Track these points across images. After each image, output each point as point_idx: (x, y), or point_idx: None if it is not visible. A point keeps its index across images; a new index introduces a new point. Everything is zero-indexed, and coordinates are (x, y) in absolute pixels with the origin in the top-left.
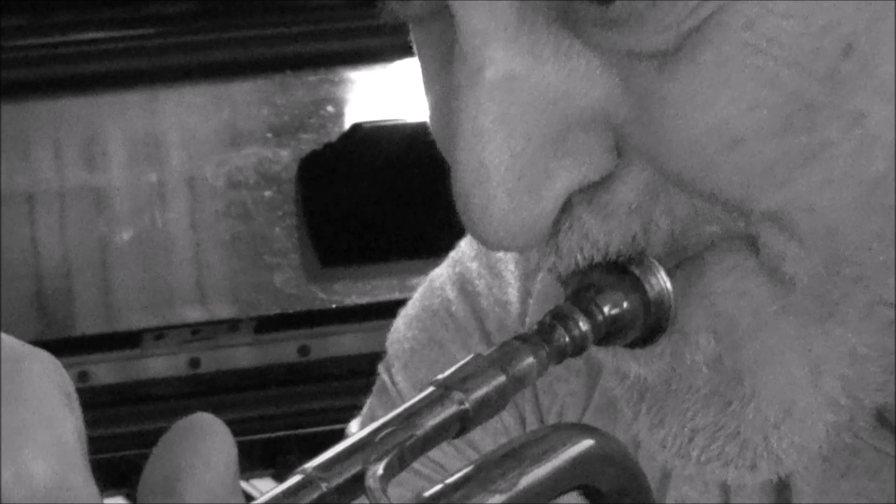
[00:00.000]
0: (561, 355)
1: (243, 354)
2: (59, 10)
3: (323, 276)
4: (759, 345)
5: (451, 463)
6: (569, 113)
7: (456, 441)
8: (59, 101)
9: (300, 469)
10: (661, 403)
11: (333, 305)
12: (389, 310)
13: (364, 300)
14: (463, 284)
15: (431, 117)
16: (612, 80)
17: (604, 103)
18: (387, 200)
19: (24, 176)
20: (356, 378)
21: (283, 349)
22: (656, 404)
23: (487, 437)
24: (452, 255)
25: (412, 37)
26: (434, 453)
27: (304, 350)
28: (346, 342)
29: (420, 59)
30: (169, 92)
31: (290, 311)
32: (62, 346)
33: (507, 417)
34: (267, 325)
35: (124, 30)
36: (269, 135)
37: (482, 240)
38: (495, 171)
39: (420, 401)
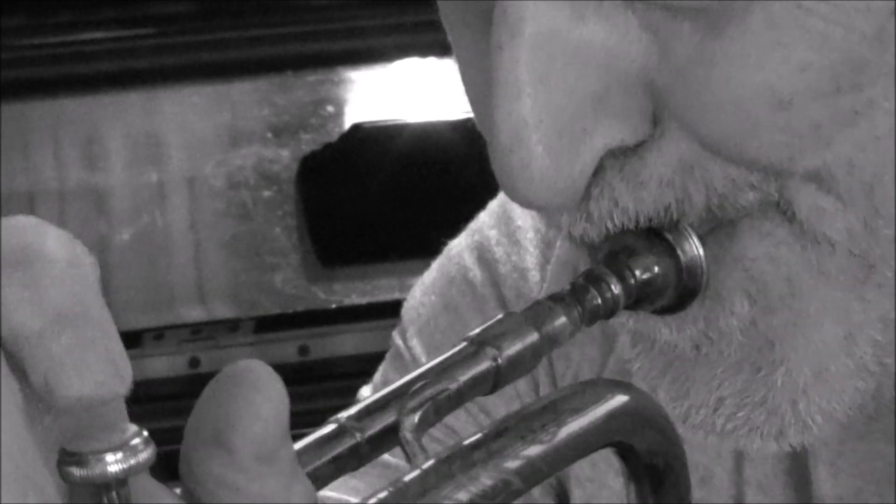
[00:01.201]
0: (593, 317)
1: (243, 354)
2: (59, 10)
3: (323, 276)
4: (792, 311)
5: (461, 426)
6: (608, 72)
7: (469, 405)
8: (59, 101)
9: (334, 418)
10: (687, 373)
11: (333, 305)
12: (389, 310)
13: (364, 300)
14: (481, 252)
15: (464, 83)
16: (652, 41)
17: (643, 64)
18: (387, 200)
19: (24, 176)
20: (356, 378)
21: (283, 349)
22: (682, 374)
23: (500, 403)
24: (471, 224)
25: (440, 9)
26: (447, 418)
27: (304, 350)
28: (346, 342)
29: (448, 25)
30: (169, 92)
31: (290, 311)
32: None
33: (520, 383)
34: (267, 325)
35: (124, 30)
36: (269, 135)
37: (520, 198)
38: (535, 127)
39: (453, 355)
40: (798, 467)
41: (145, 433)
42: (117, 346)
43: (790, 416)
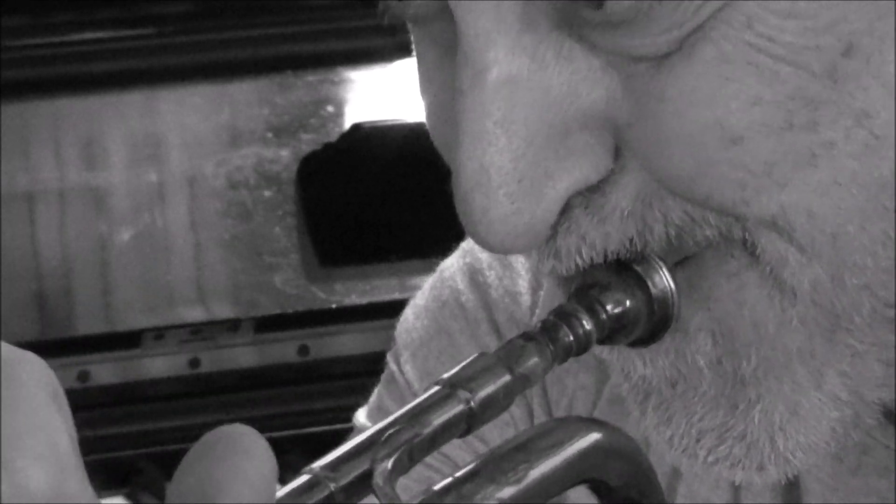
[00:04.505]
0: (566, 354)
1: (243, 354)
2: (59, 10)
3: (323, 276)
4: (759, 358)
5: (457, 454)
6: (570, 114)
7: None
8: (59, 101)
9: (307, 469)
10: (667, 403)
11: (333, 305)
12: (389, 310)
13: (364, 300)
14: (473, 275)
15: (428, 117)
16: (613, 81)
17: (605, 103)
18: (387, 200)
19: (24, 176)
20: (356, 378)
21: (282, 349)
22: (663, 403)
23: (494, 430)
24: (463, 245)
25: (411, 36)
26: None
27: (303, 350)
28: (345, 342)
29: (418, 58)
30: (169, 92)
31: (290, 311)
32: (62, 346)
33: (514, 410)
34: (267, 325)
35: (124, 30)
36: (269, 135)
37: (482, 243)
38: (496, 174)
39: (426, 399)
40: (793, 501)
41: None
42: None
43: (769, 450)
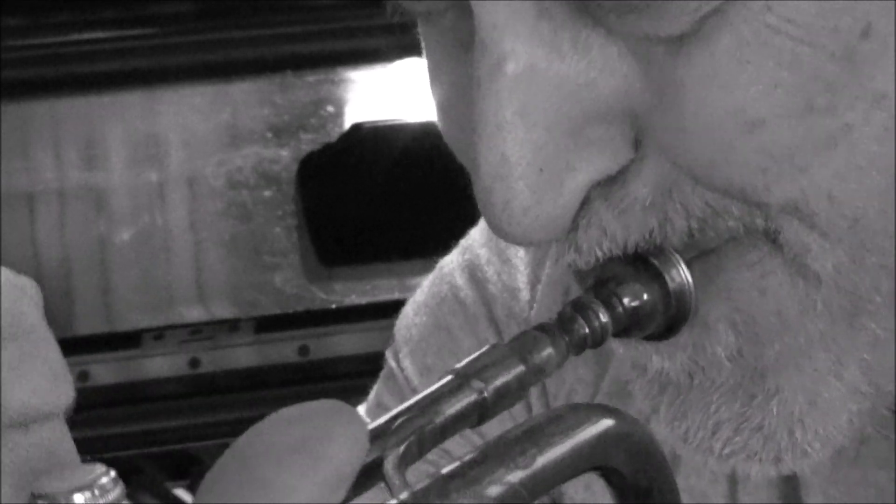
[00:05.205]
0: (580, 346)
1: (243, 354)
2: (59, 10)
3: (323, 276)
4: (782, 345)
5: (456, 449)
6: (589, 103)
7: None
8: (59, 101)
9: None
10: (683, 396)
11: (333, 305)
12: (389, 310)
13: (364, 300)
14: (472, 271)
15: (439, 112)
16: (632, 68)
17: (623, 93)
18: (387, 200)
19: (24, 176)
20: (356, 378)
21: (283, 349)
22: (678, 397)
23: (493, 423)
24: (462, 242)
25: (419, 31)
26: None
27: (303, 350)
28: (346, 342)
29: (427, 54)
30: (169, 92)
31: (290, 311)
32: (62, 346)
33: None
34: (267, 325)
35: (124, 30)
36: (269, 135)
37: (504, 235)
38: (517, 164)
39: (438, 389)
40: (792, 494)
41: (113, 473)
42: (58, 362)
43: (787, 442)
